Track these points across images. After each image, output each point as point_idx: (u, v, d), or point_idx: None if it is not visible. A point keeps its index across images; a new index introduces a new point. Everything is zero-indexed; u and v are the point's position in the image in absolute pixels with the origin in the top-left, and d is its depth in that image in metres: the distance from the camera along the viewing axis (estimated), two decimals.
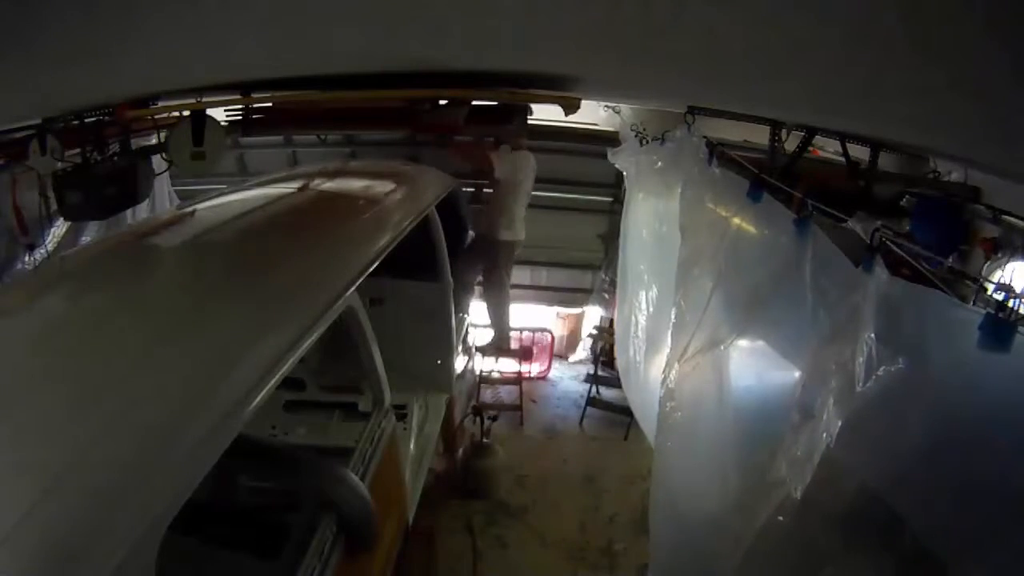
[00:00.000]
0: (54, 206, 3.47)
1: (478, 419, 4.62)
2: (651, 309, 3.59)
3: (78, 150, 3.18)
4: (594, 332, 6.46)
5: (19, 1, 1.32)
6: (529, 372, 6.28)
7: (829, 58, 1.61)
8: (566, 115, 3.67)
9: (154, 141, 3.66)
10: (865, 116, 2.64)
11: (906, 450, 1.42)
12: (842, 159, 3.69)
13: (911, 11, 1.12)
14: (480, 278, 5.52)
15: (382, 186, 3.45)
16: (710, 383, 2.34)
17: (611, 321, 5.82)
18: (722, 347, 2.31)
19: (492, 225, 5.38)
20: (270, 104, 3.75)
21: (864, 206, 3.45)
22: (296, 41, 2.20)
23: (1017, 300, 1.32)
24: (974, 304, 1.53)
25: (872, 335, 1.54)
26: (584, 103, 3.73)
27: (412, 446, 3.48)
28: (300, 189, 3.10)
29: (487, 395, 5.80)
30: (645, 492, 3.94)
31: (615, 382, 5.20)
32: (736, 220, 2.40)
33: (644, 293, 3.70)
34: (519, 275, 6.57)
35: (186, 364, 1.55)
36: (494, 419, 4.76)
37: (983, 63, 1.25)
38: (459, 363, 4.26)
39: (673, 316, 2.66)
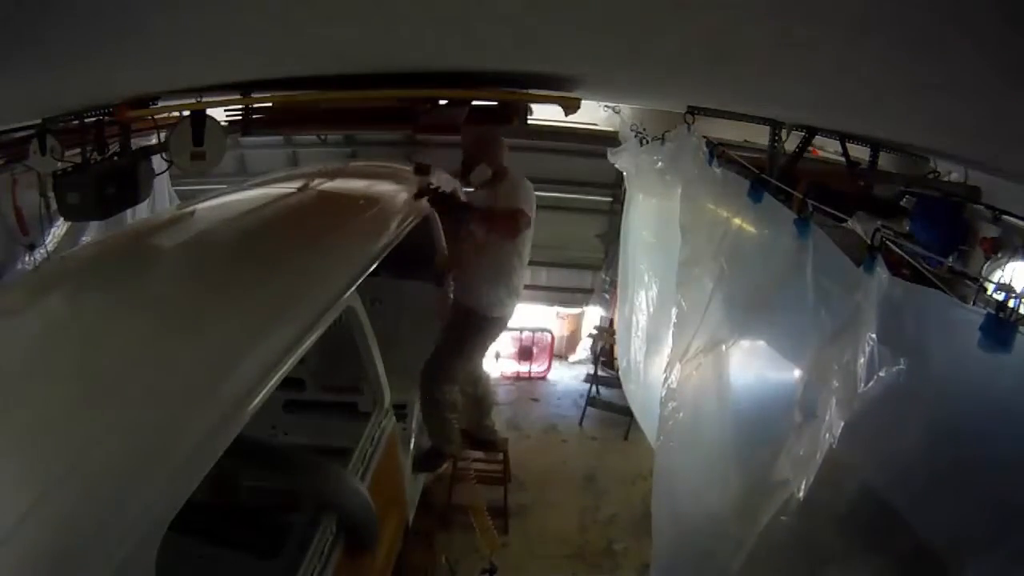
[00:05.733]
0: (54, 206, 3.47)
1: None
2: (652, 309, 3.59)
3: (78, 150, 3.17)
4: (594, 332, 6.47)
5: (19, 1, 1.32)
6: (529, 373, 6.31)
7: (829, 58, 1.61)
8: (566, 115, 3.66)
9: (154, 141, 3.65)
10: (865, 116, 2.64)
11: (908, 450, 1.43)
12: (842, 159, 3.69)
13: (911, 11, 1.12)
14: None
15: (382, 186, 3.46)
16: (712, 383, 2.34)
17: (611, 321, 5.82)
18: (723, 347, 2.30)
19: (479, 295, 3.53)
20: (270, 104, 3.74)
21: (864, 206, 3.45)
22: (296, 41, 2.20)
23: (1017, 300, 1.32)
24: (974, 304, 1.53)
25: (873, 335, 1.55)
26: (584, 103, 3.72)
27: (412, 446, 3.48)
28: (300, 189, 3.10)
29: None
30: (645, 492, 3.94)
31: (615, 382, 5.19)
32: (737, 220, 2.40)
33: (645, 293, 3.70)
34: None
35: (186, 364, 1.55)
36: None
37: (983, 63, 1.25)
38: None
39: (674, 316, 2.66)
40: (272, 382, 1.63)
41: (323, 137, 5.79)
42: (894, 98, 1.92)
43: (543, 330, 6.50)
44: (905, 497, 1.46)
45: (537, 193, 5.66)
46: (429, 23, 1.86)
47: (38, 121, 3.17)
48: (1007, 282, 2.83)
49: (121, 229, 3.58)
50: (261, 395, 1.57)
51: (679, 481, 2.55)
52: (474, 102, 3.79)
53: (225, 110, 3.83)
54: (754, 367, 2.24)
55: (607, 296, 6.28)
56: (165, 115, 3.36)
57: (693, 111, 3.19)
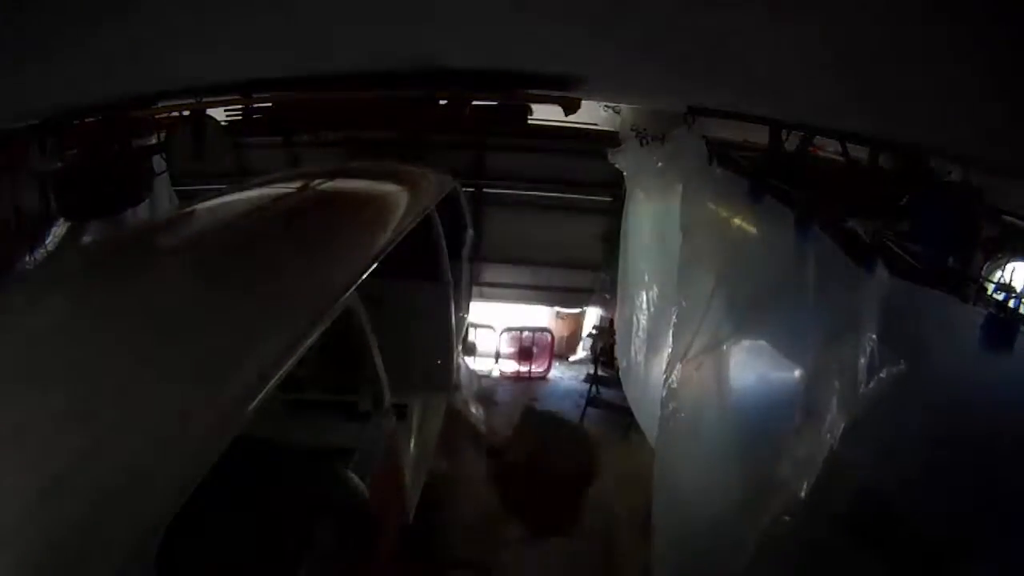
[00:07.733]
0: (54, 206, 3.47)
1: None
2: (652, 309, 3.59)
3: (78, 150, 3.18)
4: (594, 332, 6.47)
5: (20, 2, 1.32)
6: (529, 373, 6.30)
7: (829, 58, 1.61)
8: (566, 115, 3.66)
9: (154, 141, 3.65)
10: (865, 116, 2.64)
11: (909, 449, 1.42)
12: (842, 159, 3.69)
13: (911, 12, 1.12)
14: None
15: (382, 186, 3.45)
16: (712, 383, 2.34)
17: (611, 321, 5.82)
18: (724, 347, 2.30)
19: None
20: (270, 104, 3.75)
21: (864, 206, 3.44)
22: (296, 40, 2.20)
23: (1018, 300, 1.32)
24: (974, 304, 1.53)
25: (874, 335, 1.55)
26: (584, 103, 3.72)
27: (412, 446, 3.48)
28: (300, 189, 3.09)
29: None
30: (645, 492, 3.94)
31: (615, 382, 5.19)
32: (737, 220, 2.41)
33: (645, 293, 3.70)
34: (519, 275, 6.58)
35: (186, 364, 1.55)
36: None
37: (982, 64, 1.25)
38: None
39: (675, 316, 2.66)
40: (272, 382, 1.63)
41: (323, 137, 5.79)
42: (894, 98, 1.92)
43: (543, 330, 6.50)
44: (906, 496, 1.46)
45: (537, 193, 5.67)
46: (430, 22, 1.86)
47: (38, 121, 3.17)
48: (1007, 282, 2.83)
49: (121, 229, 3.58)
50: (261, 395, 1.57)
51: (679, 481, 2.55)
52: (474, 102, 3.79)
53: (225, 110, 3.83)
54: (755, 367, 2.24)
55: (607, 296, 6.28)
56: (165, 115, 3.36)
57: (693, 111, 3.19)
